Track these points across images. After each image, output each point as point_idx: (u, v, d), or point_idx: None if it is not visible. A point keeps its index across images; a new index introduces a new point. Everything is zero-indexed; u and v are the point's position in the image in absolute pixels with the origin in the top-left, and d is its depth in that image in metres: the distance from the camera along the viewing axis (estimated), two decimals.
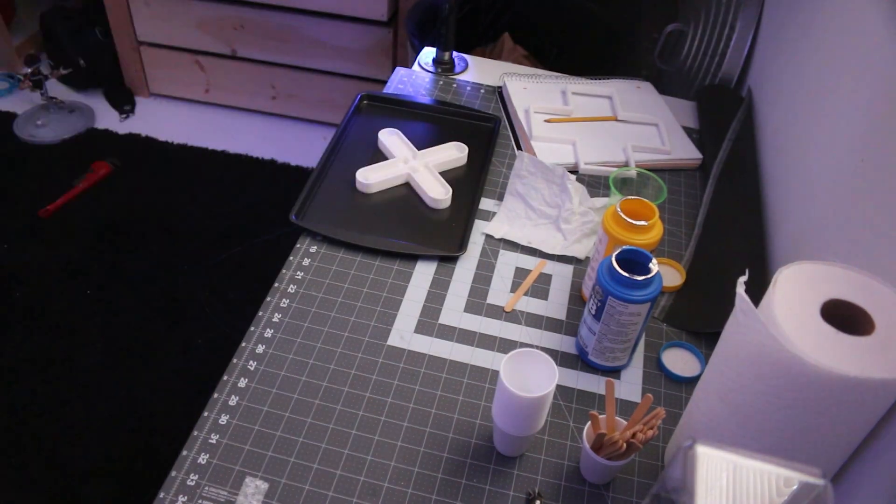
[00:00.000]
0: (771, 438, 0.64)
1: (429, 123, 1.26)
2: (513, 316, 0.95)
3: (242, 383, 0.85)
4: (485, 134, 1.25)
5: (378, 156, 1.17)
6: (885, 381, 0.56)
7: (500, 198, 1.12)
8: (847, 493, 0.69)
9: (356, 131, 1.23)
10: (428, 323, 0.93)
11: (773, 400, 0.62)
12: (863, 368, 0.56)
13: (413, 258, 1.01)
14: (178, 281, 1.95)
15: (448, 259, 1.02)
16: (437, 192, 1.10)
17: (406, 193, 1.12)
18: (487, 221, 1.08)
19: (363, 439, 0.81)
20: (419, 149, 1.17)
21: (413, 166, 1.14)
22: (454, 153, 1.18)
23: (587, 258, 1.04)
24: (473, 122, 1.26)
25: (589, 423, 0.76)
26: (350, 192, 1.10)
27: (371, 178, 1.11)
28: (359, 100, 1.28)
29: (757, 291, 0.65)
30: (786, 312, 0.61)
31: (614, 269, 0.79)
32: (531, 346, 0.92)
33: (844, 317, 0.61)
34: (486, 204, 1.11)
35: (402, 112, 1.28)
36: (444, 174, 1.14)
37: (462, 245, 1.03)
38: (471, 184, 1.14)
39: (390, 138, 1.19)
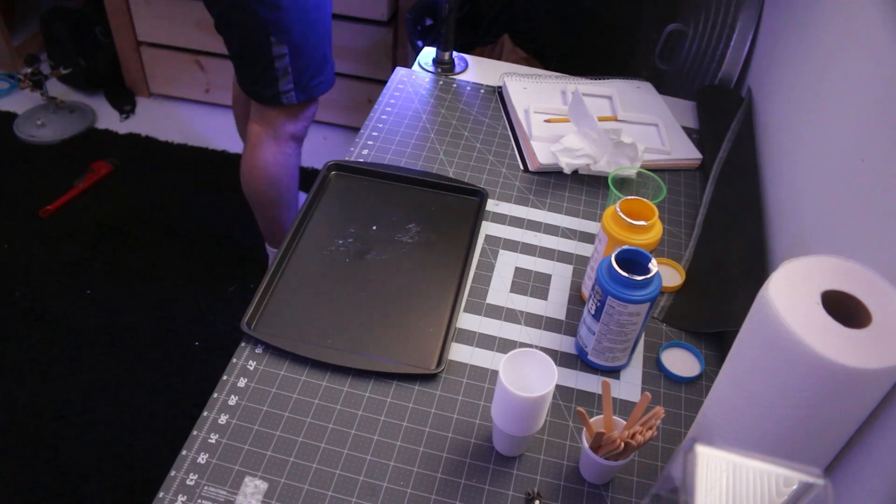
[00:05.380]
0: (773, 426, 0.65)
1: (405, 196, 1.09)
2: (512, 316, 0.95)
3: (242, 383, 0.85)
4: (469, 211, 1.07)
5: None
6: (882, 370, 0.57)
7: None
8: (842, 483, 0.69)
9: (323, 213, 1.04)
10: None
11: (780, 389, 0.62)
12: (862, 359, 0.57)
13: (386, 377, 0.87)
14: (177, 281, 1.95)
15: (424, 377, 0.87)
16: None
17: (371, 288, 0.95)
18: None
19: (362, 439, 0.81)
20: (390, 228, 1.02)
21: None
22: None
23: (587, 257, 1.04)
24: (456, 195, 1.10)
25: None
26: (308, 289, 0.94)
27: None
28: (325, 171, 1.10)
29: (757, 291, 0.65)
30: (785, 302, 0.61)
31: (614, 269, 0.79)
32: (530, 345, 0.91)
33: (842, 308, 0.62)
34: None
35: (376, 184, 1.10)
36: (412, 258, 0.98)
37: (440, 360, 0.87)
38: (450, 270, 0.98)
39: None
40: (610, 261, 0.80)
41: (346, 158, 1.15)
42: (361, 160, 1.15)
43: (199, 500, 0.74)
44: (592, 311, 0.84)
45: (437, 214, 1.06)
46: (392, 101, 1.30)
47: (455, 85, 1.36)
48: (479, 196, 1.09)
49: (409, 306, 0.93)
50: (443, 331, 0.91)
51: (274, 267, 0.95)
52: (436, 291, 0.94)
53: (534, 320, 0.95)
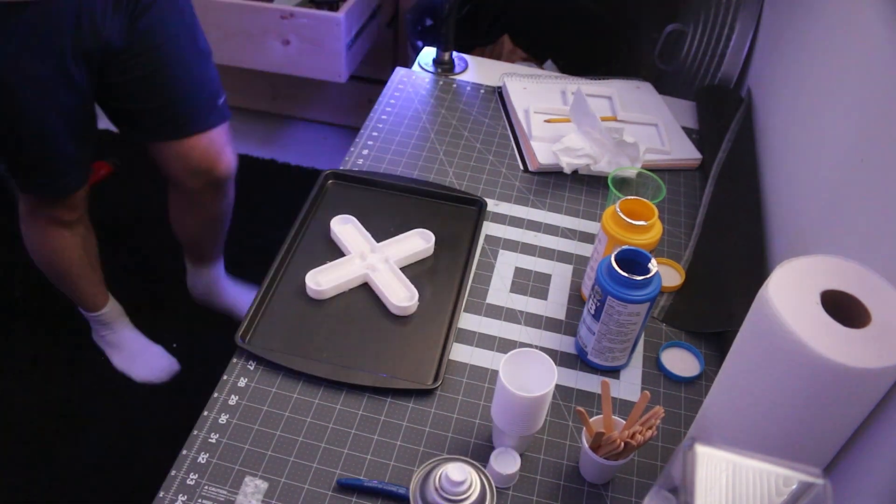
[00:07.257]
0: (773, 425, 0.65)
1: (403, 206, 1.08)
2: (512, 316, 0.95)
3: (242, 383, 0.85)
4: (468, 219, 1.06)
5: (336, 251, 1.00)
6: (881, 369, 0.57)
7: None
8: (842, 483, 0.69)
9: (321, 221, 1.03)
10: None
11: (780, 389, 0.62)
12: (862, 359, 0.57)
13: (380, 392, 0.85)
14: (177, 280, 1.95)
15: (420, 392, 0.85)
16: (400, 297, 0.93)
17: (364, 298, 0.95)
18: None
19: (363, 438, 0.81)
20: (387, 237, 1.00)
21: (371, 263, 0.96)
22: (419, 243, 1.00)
23: (587, 257, 1.04)
24: (455, 204, 1.09)
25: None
26: (303, 300, 0.93)
27: (323, 282, 0.93)
28: (323, 179, 1.09)
29: (757, 291, 0.65)
30: (785, 302, 0.61)
31: (613, 269, 0.79)
32: (530, 345, 0.92)
33: (842, 308, 0.62)
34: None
35: (373, 193, 1.09)
36: (410, 269, 0.97)
37: (437, 375, 0.86)
38: (447, 284, 0.97)
39: (343, 228, 1.01)
40: (610, 261, 0.80)
41: (346, 159, 1.15)
42: (360, 164, 1.15)
43: (200, 500, 0.74)
44: (592, 311, 0.84)
45: (435, 224, 1.04)
46: (392, 101, 1.30)
47: (455, 85, 1.36)
48: (478, 205, 1.08)
49: (406, 318, 0.93)
50: (441, 344, 0.90)
51: (269, 278, 0.94)
52: (434, 303, 0.94)
53: (534, 320, 0.95)
